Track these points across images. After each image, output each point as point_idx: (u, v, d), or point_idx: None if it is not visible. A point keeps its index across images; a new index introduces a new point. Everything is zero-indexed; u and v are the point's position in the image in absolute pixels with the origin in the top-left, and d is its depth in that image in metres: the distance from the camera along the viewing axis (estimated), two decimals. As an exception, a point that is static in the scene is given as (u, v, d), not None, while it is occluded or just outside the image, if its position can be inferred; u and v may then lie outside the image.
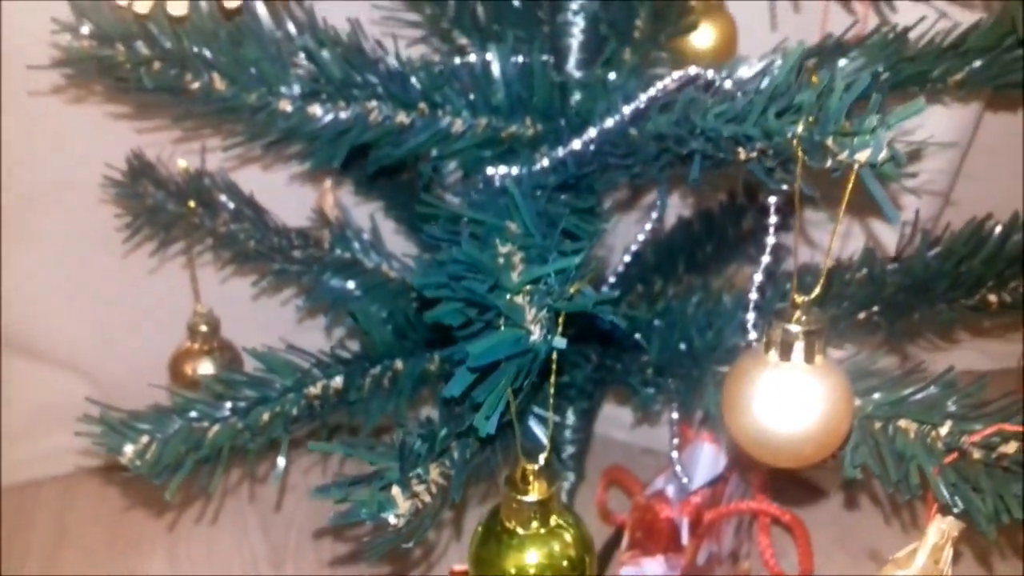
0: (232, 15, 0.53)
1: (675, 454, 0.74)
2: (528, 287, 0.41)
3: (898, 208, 0.76)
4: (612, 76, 0.68)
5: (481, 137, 0.65)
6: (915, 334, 0.70)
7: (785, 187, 0.45)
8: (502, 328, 0.40)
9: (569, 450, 0.78)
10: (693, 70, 0.52)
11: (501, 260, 0.45)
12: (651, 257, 0.80)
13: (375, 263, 0.76)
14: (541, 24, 0.71)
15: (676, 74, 0.53)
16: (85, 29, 0.55)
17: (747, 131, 0.42)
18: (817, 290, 0.44)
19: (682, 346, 0.68)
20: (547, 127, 0.65)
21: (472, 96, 0.64)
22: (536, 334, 0.40)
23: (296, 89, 0.59)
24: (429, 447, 0.45)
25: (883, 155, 0.39)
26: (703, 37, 0.73)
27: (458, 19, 0.72)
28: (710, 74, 0.52)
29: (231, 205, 0.73)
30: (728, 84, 0.51)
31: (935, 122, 0.69)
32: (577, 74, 0.66)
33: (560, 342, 0.40)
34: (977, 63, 0.64)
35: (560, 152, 0.56)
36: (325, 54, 0.60)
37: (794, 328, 0.44)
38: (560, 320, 0.42)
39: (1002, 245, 0.66)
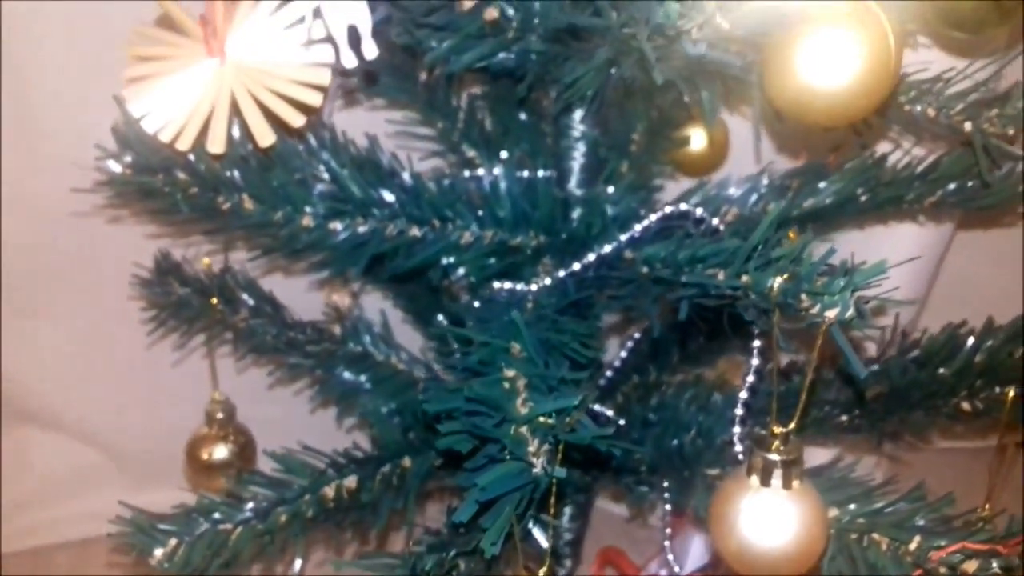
0: (266, 152, 0.59)
1: (667, 543, 0.78)
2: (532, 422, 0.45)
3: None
4: (611, 190, 0.73)
5: (488, 248, 0.70)
6: (895, 436, 0.74)
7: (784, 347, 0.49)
8: (507, 459, 0.45)
9: (567, 537, 0.82)
10: (683, 206, 0.57)
11: (507, 385, 0.49)
12: (646, 346, 0.84)
13: (385, 355, 0.81)
14: (545, 136, 0.77)
15: (668, 208, 0.58)
16: (128, 158, 0.60)
17: (730, 283, 0.46)
18: (793, 424, 0.48)
19: (675, 443, 0.72)
20: (550, 239, 0.70)
21: (480, 211, 0.69)
22: (538, 466, 0.44)
23: (319, 208, 0.64)
24: (438, 562, 0.49)
25: (850, 313, 0.43)
26: (697, 141, 0.79)
27: (467, 133, 0.77)
28: (699, 211, 0.57)
29: (251, 302, 0.78)
30: (715, 221, 0.56)
31: (910, 238, 0.74)
32: (578, 192, 0.71)
33: (561, 472, 0.45)
34: (951, 186, 0.69)
35: (561, 273, 0.61)
36: (346, 173, 0.65)
37: (773, 457, 0.49)
38: (560, 449, 0.46)
39: (974, 354, 0.70)
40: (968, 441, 0.90)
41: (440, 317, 0.83)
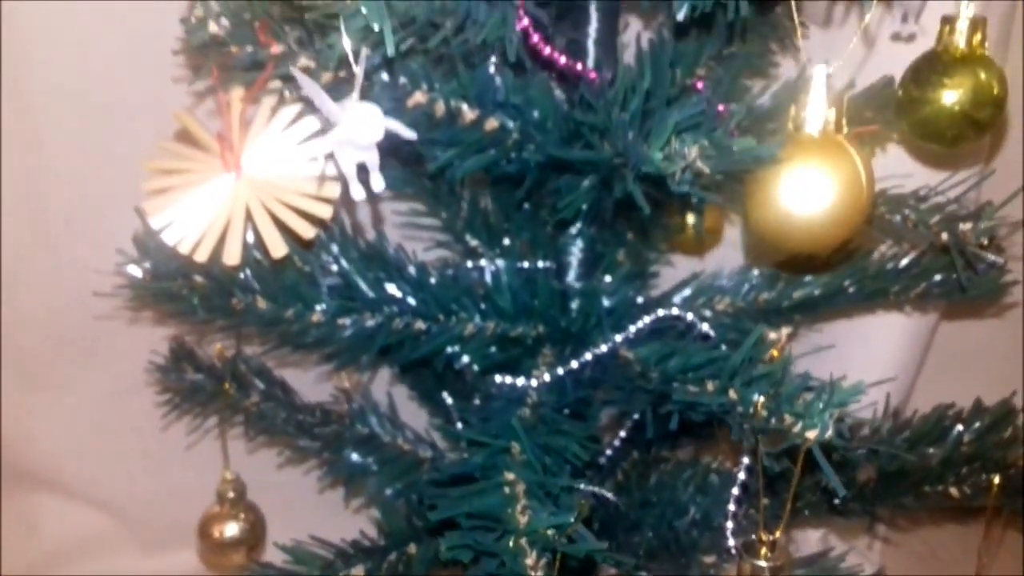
0: (279, 263, 0.62)
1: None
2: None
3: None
4: (608, 279, 0.76)
5: (490, 339, 0.72)
6: (886, 520, 0.76)
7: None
8: (507, 570, 0.47)
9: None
10: (675, 311, 0.60)
11: (506, 490, 0.52)
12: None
13: (391, 436, 0.83)
14: (546, 226, 0.80)
15: (661, 312, 0.61)
16: (147, 264, 0.63)
17: (718, 399, 0.49)
18: (778, 533, 0.50)
19: (673, 526, 0.74)
20: (549, 330, 0.73)
21: (482, 303, 0.72)
22: (536, 577, 0.46)
23: (328, 305, 0.67)
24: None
25: (829, 433, 0.46)
26: (692, 222, 0.82)
27: (470, 223, 0.80)
28: (689, 316, 0.60)
29: (262, 386, 0.80)
30: (705, 327, 0.58)
31: (897, 327, 0.77)
32: (576, 284, 0.74)
33: (558, 582, 0.47)
34: (935, 278, 0.72)
35: (560, 371, 0.64)
36: (354, 269, 0.68)
37: (761, 563, 0.51)
38: (559, 559, 0.49)
39: (961, 438, 0.73)
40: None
41: (445, 394, 0.86)
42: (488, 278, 0.75)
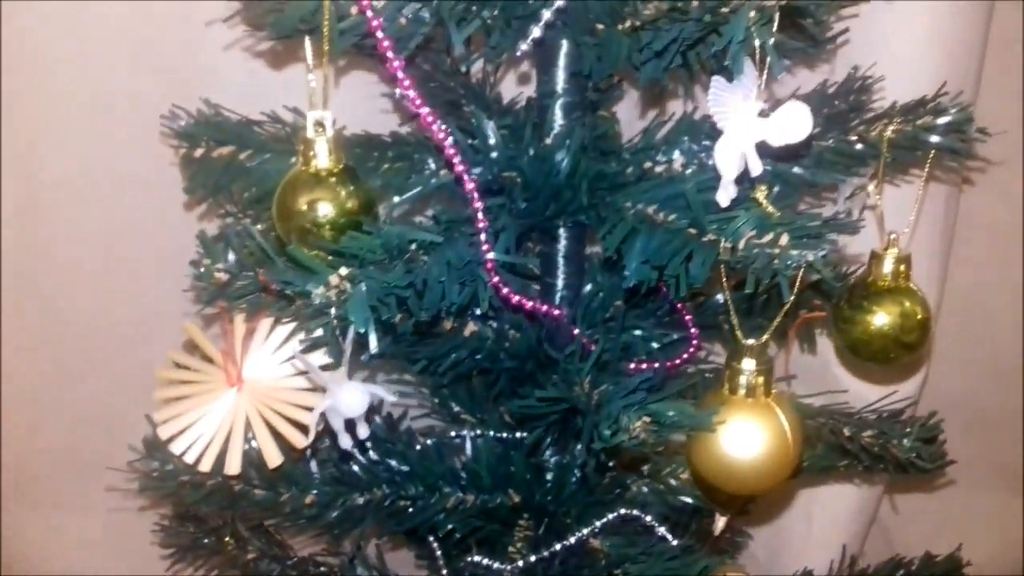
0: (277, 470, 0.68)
1: None
2: None
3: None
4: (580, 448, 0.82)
5: (471, 511, 0.78)
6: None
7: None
8: None
9: None
10: (636, 511, 0.66)
11: None
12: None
13: (380, 586, 0.89)
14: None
15: (623, 511, 0.67)
16: (155, 463, 0.69)
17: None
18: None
19: None
20: (525, 499, 0.79)
21: (463, 480, 0.78)
22: None
23: (322, 488, 0.73)
24: None
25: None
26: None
27: (453, 392, 0.86)
28: (648, 518, 0.66)
29: (259, 543, 0.86)
30: (662, 530, 0.65)
31: (848, 497, 0.83)
32: (552, 458, 0.80)
33: None
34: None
35: (532, 558, 0.69)
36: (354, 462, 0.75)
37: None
38: None
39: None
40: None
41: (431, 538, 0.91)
42: (468, 448, 0.81)
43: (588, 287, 0.77)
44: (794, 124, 0.47)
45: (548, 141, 0.67)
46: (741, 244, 0.51)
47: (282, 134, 0.71)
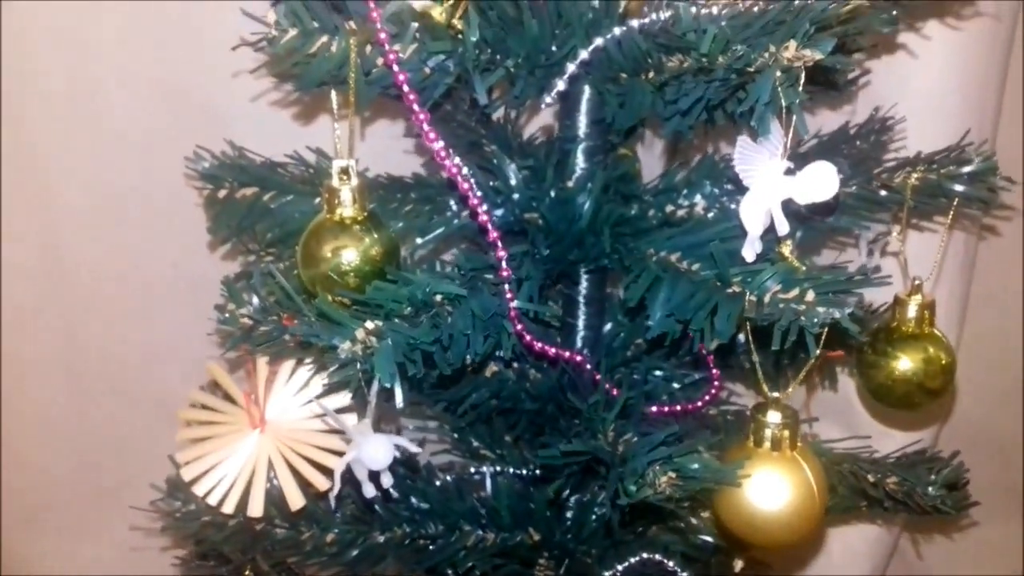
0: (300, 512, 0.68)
1: None
2: None
3: None
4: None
5: (491, 549, 0.78)
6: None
7: None
8: None
9: None
10: (657, 556, 0.66)
11: None
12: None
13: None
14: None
15: (644, 554, 0.67)
16: (177, 503, 0.70)
17: None
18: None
19: None
20: (544, 538, 0.79)
21: (483, 518, 0.78)
22: None
23: (343, 527, 0.74)
24: None
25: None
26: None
27: (474, 428, 0.86)
28: (671, 563, 0.66)
29: (278, 577, 0.86)
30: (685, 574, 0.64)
31: (868, 528, 0.83)
32: (572, 497, 0.80)
33: None
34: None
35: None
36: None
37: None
38: None
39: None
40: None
41: None
42: (488, 485, 0.81)
43: (609, 326, 0.78)
44: (820, 183, 0.47)
45: (570, 184, 0.68)
46: (767, 298, 0.51)
47: (305, 175, 0.72)
